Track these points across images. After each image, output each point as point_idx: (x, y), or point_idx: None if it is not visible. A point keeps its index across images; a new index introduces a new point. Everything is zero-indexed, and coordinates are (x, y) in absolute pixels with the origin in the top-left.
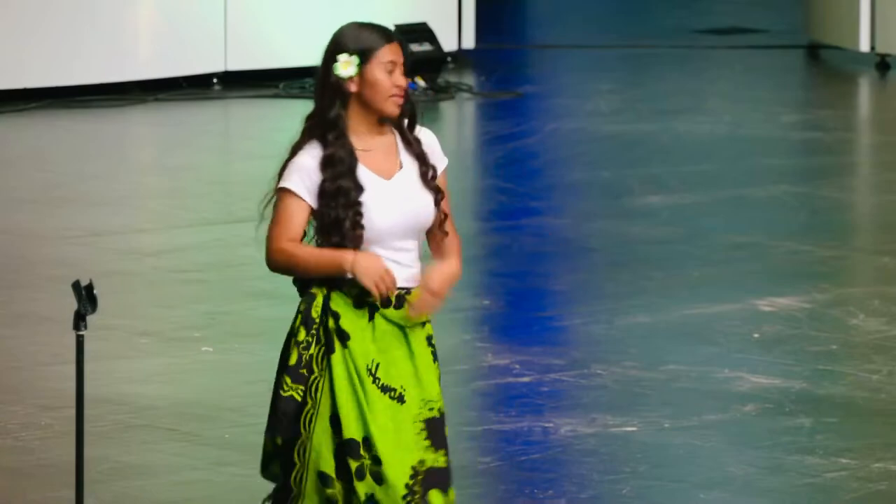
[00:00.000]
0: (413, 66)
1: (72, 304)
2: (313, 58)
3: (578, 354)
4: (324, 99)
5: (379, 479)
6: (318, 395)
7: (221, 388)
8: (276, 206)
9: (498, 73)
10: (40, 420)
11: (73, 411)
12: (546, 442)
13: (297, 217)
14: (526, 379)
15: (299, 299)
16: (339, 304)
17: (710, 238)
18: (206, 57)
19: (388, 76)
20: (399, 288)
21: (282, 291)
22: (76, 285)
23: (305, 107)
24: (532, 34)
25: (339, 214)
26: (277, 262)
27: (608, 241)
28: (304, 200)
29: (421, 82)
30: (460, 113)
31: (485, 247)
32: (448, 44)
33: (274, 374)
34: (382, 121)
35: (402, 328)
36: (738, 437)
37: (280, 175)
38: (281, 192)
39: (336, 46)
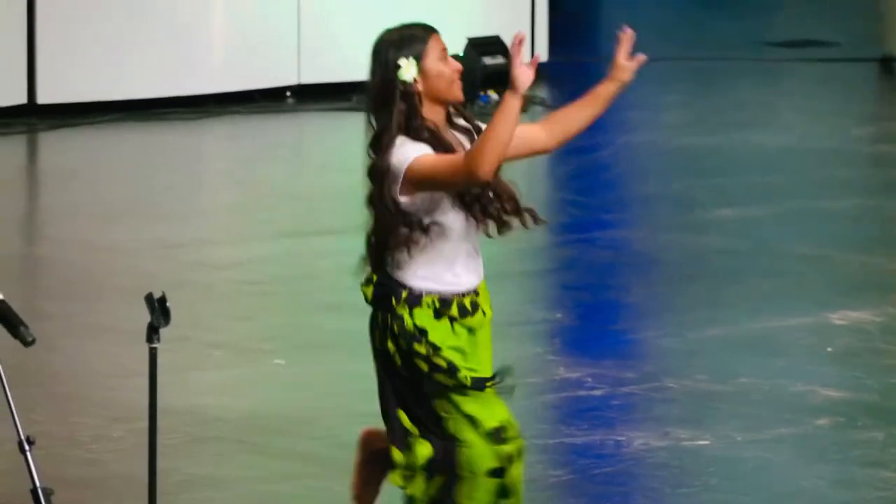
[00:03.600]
0: (486, 79)
1: (142, 317)
2: None
3: (650, 367)
4: (393, 111)
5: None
6: None
7: (293, 401)
8: (424, 171)
9: (571, 85)
10: (110, 432)
11: (142, 423)
12: (618, 455)
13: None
14: (598, 392)
15: (372, 315)
16: (423, 319)
17: (781, 251)
18: (280, 70)
19: (445, 64)
20: (470, 292)
21: (353, 304)
22: (149, 298)
23: None
24: (605, 47)
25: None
26: (484, 166)
27: (679, 254)
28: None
29: (494, 95)
30: None
31: (557, 259)
32: (522, 57)
33: (343, 387)
34: (449, 111)
35: (471, 330)
36: (809, 451)
37: (378, 172)
38: (415, 160)
39: (389, 55)
